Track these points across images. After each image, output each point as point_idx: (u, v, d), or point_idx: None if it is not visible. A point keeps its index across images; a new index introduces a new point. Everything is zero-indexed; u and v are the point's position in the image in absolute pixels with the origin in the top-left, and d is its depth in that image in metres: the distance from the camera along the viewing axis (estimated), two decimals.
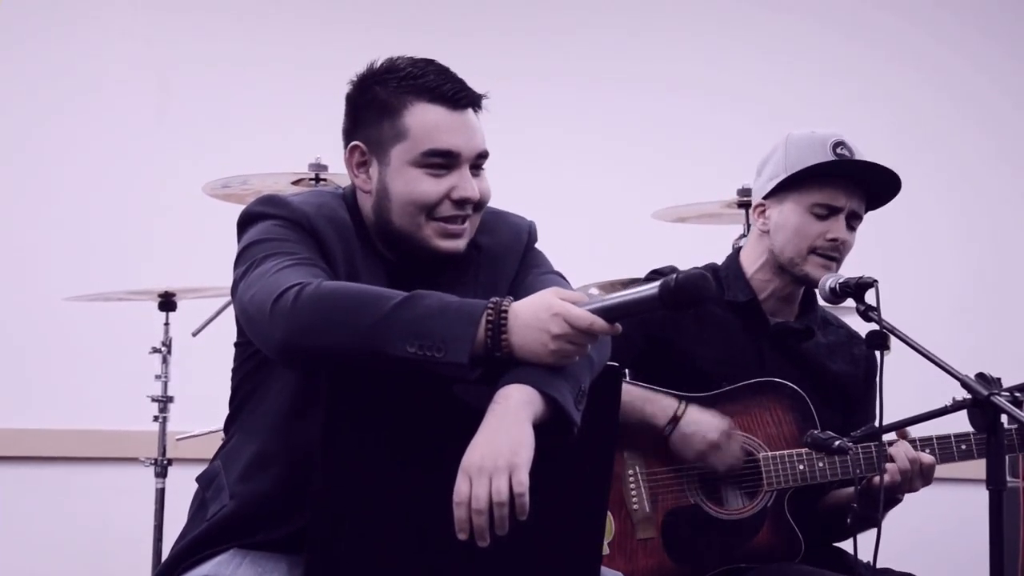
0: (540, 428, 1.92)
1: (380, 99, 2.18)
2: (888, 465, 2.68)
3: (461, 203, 2.16)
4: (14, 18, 4.72)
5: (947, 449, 2.78)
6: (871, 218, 2.91)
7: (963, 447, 2.76)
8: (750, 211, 2.96)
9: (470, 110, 2.18)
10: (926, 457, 2.72)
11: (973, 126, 5.36)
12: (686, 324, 2.85)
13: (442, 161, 2.15)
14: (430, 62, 2.20)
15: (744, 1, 5.32)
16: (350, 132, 2.24)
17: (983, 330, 5.16)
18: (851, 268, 2.72)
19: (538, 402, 1.93)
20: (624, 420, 2.46)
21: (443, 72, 2.18)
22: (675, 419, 2.74)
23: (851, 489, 2.82)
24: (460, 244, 2.19)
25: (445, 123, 2.15)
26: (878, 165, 2.80)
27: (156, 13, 4.84)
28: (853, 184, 2.81)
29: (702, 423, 2.74)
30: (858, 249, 2.88)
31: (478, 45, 4.88)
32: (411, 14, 5.00)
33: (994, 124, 5.38)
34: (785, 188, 2.83)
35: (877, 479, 2.64)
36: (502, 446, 1.88)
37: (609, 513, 2.65)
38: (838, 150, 2.79)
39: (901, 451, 2.70)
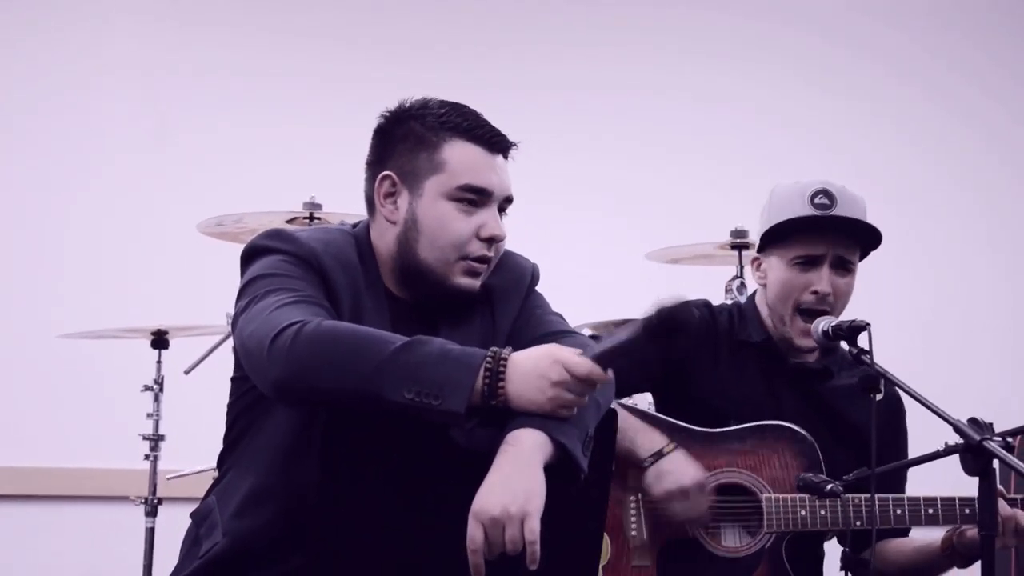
0: (547, 472, 1.93)
1: (417, 133, 2.21)
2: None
3: (489, 241, 2.20)
4: (4, 57, 4.74)
5: (950, 511, 2.76)
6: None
7: (967, 511, 2.74)
8: (750, 265, 2.95)
9: (501, 155, 2.24)
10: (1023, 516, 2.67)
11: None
12: (703, 358, 2.85)
13: (475, 198, 2.19)
14: (466, 106, 2.25)
15: (739, 45, 5.36)
16: (380, 162, 2.25)
17: (978, 370, 5.18)
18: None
19: (548, 447, 1.94)
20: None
21: (479, 116, 2.24)
22: (659, 454, 2.73)
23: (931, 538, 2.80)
24: (477, 283, 2.23)
25: (482, 161, 2.20)
26: (851, 219, 2.77)
27: (152, 52, 4.85)
28: (835, 231, 2.79)
29: (682, 467, 2.71)
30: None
31: (471, 95, 4.88)
32: (402, 63, 5.01)
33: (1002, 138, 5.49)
34: (771, 242, 2.83)
35: (971, 531, 2.64)
36: (516, 493, 1.89)
37: (606, 536, 2.64)
38: (816, 199, 2.77)
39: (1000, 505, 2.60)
